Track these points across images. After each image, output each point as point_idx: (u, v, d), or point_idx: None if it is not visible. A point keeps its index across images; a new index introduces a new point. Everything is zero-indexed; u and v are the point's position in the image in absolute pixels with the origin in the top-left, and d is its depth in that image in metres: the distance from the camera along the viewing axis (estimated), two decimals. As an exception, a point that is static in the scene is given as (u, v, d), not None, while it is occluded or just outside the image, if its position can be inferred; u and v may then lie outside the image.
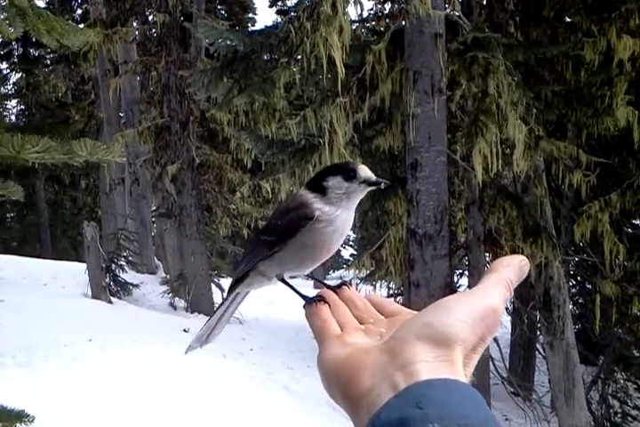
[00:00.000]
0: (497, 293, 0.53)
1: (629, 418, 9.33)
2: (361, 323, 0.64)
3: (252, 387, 6.70)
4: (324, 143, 7.67)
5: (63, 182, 21.65)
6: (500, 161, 6.94)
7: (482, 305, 0.51)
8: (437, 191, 7.30)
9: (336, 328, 0.62)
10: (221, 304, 0.88)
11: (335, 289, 0.71)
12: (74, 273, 11.55)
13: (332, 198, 0.74)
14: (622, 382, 9.38)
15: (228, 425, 4.49)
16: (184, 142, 11.65)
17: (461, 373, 0.48)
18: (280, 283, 0.82)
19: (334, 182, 0.74)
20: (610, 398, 9.04)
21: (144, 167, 12.97)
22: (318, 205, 0.75)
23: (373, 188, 0.77)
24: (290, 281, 0.83)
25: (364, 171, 0.75)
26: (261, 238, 0.82)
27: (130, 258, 12.30)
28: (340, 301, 0.68)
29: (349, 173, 0.74)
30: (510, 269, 0.55)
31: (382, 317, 0.65)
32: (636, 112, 7.25)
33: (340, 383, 0.51)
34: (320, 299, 0.68)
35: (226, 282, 12.30)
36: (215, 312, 0.87)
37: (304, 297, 0.70)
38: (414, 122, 7.17)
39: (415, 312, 0.62)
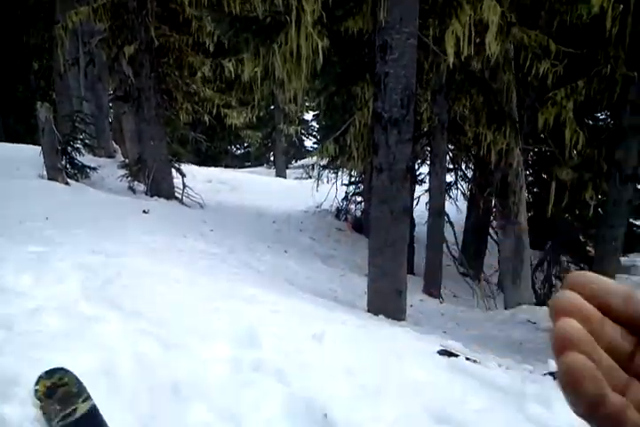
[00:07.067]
0: None
1: (569, 296, 9.96)
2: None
3: (214, 262, 6.81)
4: (291, 21, 7.34)
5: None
6: (472, 46, 6.78)
7: None
8: (406, 74, 7.13)
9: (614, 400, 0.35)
10: None
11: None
12: (28, 156, 11.20)
13: None
14: (566, 263, 9.95)
15: (192, 294, 4.55)
16: (142, 22, 10.99)
17: None
18: None
19: None
20: (553, 278, 9.60)
21: (100, 47, 12.31)
22: None
23: None
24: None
25: None
26: None
27: (86, 141, 11.95)
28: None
29: None
30: None
31: None
32: (612, -2, 7.08)
33: None
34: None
35: (186, 168, 12.21)
36: None
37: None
38: (385, 1, 6.85)
39: None
